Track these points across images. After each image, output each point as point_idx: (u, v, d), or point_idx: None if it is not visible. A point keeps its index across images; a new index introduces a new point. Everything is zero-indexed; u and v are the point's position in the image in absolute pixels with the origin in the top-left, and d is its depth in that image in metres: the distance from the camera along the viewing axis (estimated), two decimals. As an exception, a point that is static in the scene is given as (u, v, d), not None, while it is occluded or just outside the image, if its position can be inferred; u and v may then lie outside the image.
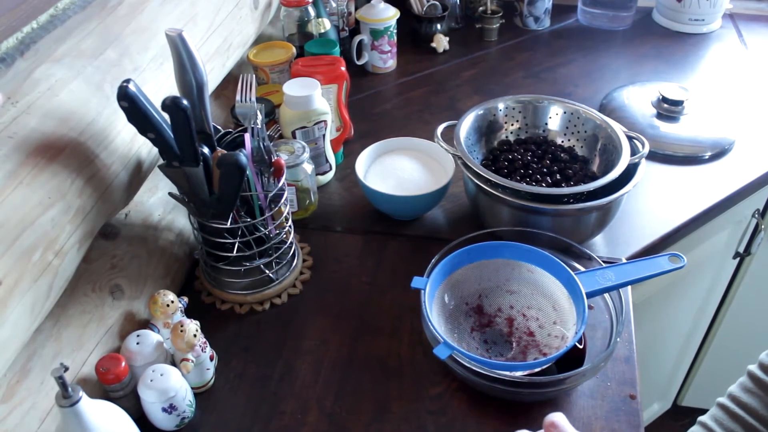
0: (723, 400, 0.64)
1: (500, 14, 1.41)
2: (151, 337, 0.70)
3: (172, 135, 0.66)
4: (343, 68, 1.01)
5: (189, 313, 0.78)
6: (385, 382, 0.74)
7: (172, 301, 0.73)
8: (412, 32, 1.40)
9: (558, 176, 0.89)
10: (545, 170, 0.90)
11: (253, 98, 0.79)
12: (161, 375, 0.66)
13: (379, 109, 1.21)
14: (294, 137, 0.94)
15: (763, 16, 1.48)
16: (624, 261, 0.83)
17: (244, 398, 0.73)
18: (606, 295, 0.78)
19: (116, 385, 0.66)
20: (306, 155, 0.90)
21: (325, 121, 0.95)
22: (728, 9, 1.47)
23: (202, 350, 0.71)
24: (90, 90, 0.66)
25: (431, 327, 0.69)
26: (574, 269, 0.77)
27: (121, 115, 0.63)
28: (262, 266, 0.82)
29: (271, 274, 0.83)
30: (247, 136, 0.76)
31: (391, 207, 0.94)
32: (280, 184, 0.79)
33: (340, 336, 0.79)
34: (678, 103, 1.10)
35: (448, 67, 1.34)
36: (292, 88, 0.92)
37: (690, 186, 1.00)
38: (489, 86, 1.26)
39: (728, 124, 1.10)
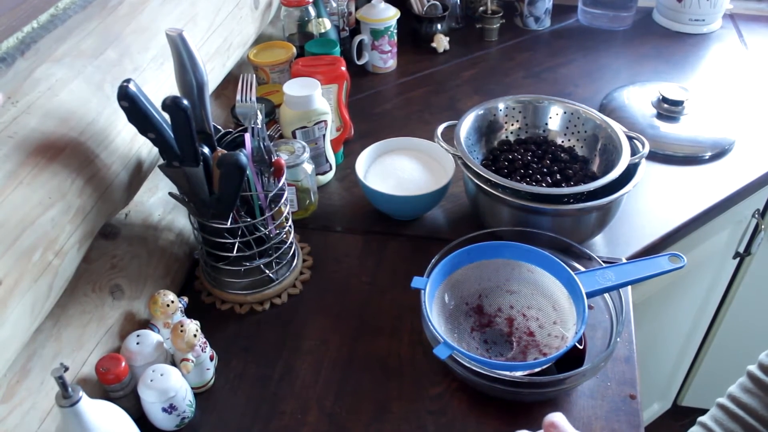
0: (723, 400, 0.64)
1: (500, 14, 1.41)
2: (151, 337, 0.70)
3: (172, 135, 0.66)
4: (344, 68, 1.01)
5: (189, 313, 0.78)
6: (385, 382, 0.74)
7: (172, 301, 0.73)
8: (413, 32, 1.40)
9: (558, 176, 0.89)
10: (545, 170, 0.90)
11: (254, 98, 0.79)
12: (161, 375, 0.66)
13: (379, 109, 1.21)
14: (294, 137, 0.94)
15: (763, 16, 1.48)
16: (624, 261, 0.83)
17: (244, 398, 0.73)
18: (606, 295, 0.78)
19: (116, 385, 0.66)
20: (306, 155, 0.90)
21: (325, 121, 0.95)
22: (728, 9, 1.47)
23: (202, 350, 0.71)
24: (90, 90, 0.66)
25: (431, 327, 0.69)
26: (574, 269, 0.77)
27: (122, 115, 0.63)
28: (262, 266, 0.82)
29: (271, 274, 0.83)
30: (248, 136, 0.76)
31: (391, 207, 0.94)
32: (280, 184, 0.79)
33: (340, 336, 0.79)
34: (678, 104, 1.10)
35: (449, 67, 1.34)
36: (293, 88, 0.92)
37: (690, 186, 1.00)
38: (489, 86, 1.26)
39: (728, 125, 1.10)
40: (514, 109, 0.97)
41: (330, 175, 1.03)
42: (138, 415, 0.67)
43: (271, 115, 0.99)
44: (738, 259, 1.26)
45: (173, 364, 0.70)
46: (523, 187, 0.82)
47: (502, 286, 0.79)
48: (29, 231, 0.56)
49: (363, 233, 0.94)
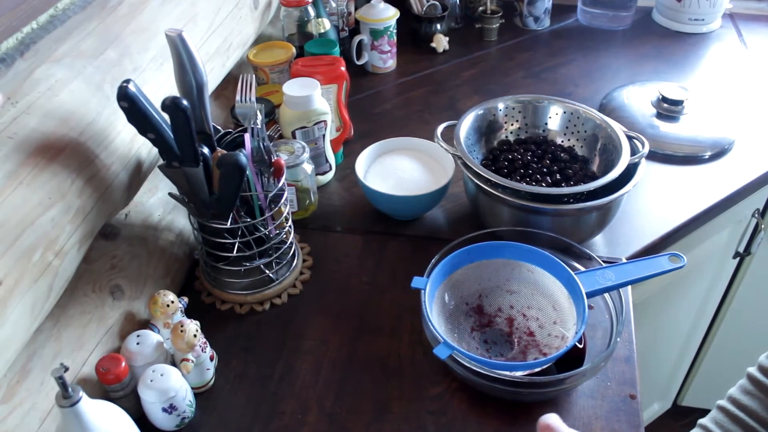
0: (723, 402, 0.64)
1: (500, 14, 1.41)
2: (151, 337, 0.70)
3: (172, 135, 0.66)
4: (343, 68, 1.01)
5: (189, 313, 0.78)
6: (385, 382, 0.74)
7: (172, 302, 0.73)
8: (412, 32, 1.40)
9: (558, 176, 0.89)
10: (545, 170, 0.90)
11: (253, 98, 0.79)
12: (161, 375, 0.66)
13: (379, 109, 1.21)
14: (294, 137, 0.94)
15: (763, 16, 1.48)
16: (624, 261, 0.83)
17: (244, 398, 0.73)
18: (606, 295, 0.78)
19: (116, 385, 0.66)
20: (306, 155, 0.90)
21: (325, 121, 0.95)
22: (728, 9, 1.47)
23: (202, 350, 0.71)
24: (90, 90, 0.66)
25: (431, 327, 0.69)
26: (574, 269, 0.77)
27: (121, 116, 0.63)
28: (262, 266, 0.82)
29: (271, 274, 0.83)
30: (247, 136, 0.76)
31: (391, 207, 0.94)
32: (280, 184, 0.79)
33: (340, 336, 0.79)
34: (678, 103, 1.10)
35: (448, 67, 1.34)
36: (292, 88, 0.92)
37: (690, 186, 1.00)
38: (489, 86, 1.26)
39: (728, 124, 1.10)
40: (513, 109, 0.97)
41: (330, 175, 1.03)
42: (138, 415, 0.67)
43: (271, 116, 0.99)
44: (738, 258, 1.26)
45: (173, 364, 0.70)
46: (523, 187, 0.82)
47: (502, 286, 0.79)
48: (29, 231, 0.56)
49: (363, 233, 0.94)
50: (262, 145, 0.77)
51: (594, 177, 0.88)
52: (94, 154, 0.65)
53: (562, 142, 0.96)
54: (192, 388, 0.70)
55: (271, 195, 0.78)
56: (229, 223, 0.74)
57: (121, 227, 0.79)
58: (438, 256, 0.77)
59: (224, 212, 0.74)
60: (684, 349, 1.45)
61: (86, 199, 0.63)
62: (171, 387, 0.65)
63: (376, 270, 0.88)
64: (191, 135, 0.66)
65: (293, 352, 0.78)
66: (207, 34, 0.88)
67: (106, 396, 0.66)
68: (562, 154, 0.93)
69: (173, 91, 0.73)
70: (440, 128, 0.91)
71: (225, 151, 0.73)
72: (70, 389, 0.53)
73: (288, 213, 0.83)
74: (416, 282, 0.74)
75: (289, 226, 0.84)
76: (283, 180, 0.79)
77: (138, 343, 0.69)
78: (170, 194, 0.76)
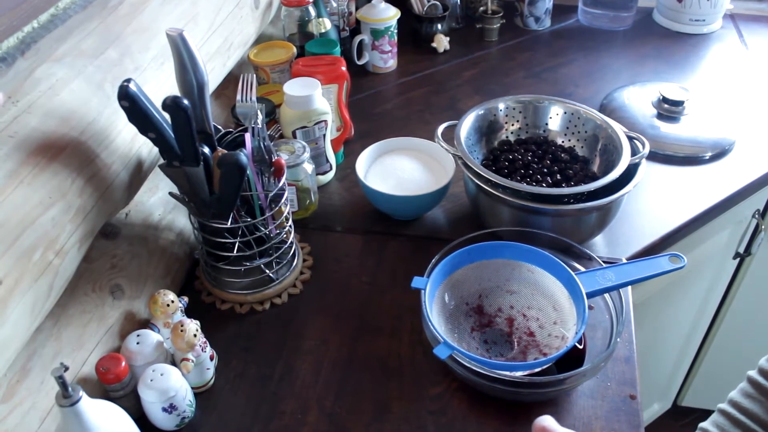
0: (724, 406, 0.64)
1: (501, 14, 1.41)
2: (152, 336, 0.70)
3: (172, 135, 0.66)
4: (344, 68, 1.01)
5: (189, 312, 0.78)
6: (385, 382, 0.74)
7: (173, 301, 0.73)
8: (413, 32, 1.40)
9: (558, 176, 0.89)
10: (545, 170, 0.90)
11: (254, 98, 0.79)
12: (161, 375, 0.66)
13: (379, 109, 1.21)
14: (294, 137, 0.94)
15: (763, 16, 1.48)
16: (624, 261, 0.83)
17: (244, 398, 0.73)
18: (606, 295, 0.78)
19: (116, 384, 0.66)
20: (306, 155, 0.90)
21: (325, 120, 0.95)
22: (729, 9, 1.47)
23: (202, 350, 0.71)
24: (91, 89, 0.66)
25: (431, 327, 0.69)
26: (575, 269, 0.77)
27: (122, 115, 0.63)
28: (262, 266, 0.82)
29: (271, 274, 0.83)
30: (248, 136, 0.76)
31: (391, 207, 0.94)
32: (281, 183, 0.79)
33: (340, 336, 0.79)
34: (678, 104, 1.10)
35: (449, 67, 1.34)
36: (293, 87, 0.92)
37: (690, 186, 1.00)
38: (489, 86, 1.26)
39: (728, 125, 1.10)
40: (514, 109, 0.97)
41: (330, 175, 1.03)
42: (138, 414, 0.67)
43: (272, 115, 0.99)
44: (738, 259, 1.26)
45: (173, 363, 0.70)
46: (524, 187, 0.82)
47: (503, 286, 0.79)
48: (30, 230, 0.56)
49: (363, 233, 0.94)
50: (262, 145, 0.77)
51: (594, 177, 0.88)
52: (95, 154, 0.65)
53: (563, 142, 0.96)
54: (192, 388, 0.70)
55: (271, 195, 0.78)
56: (229, 223, 0.74)
57: (121, 227, 0.79)
58: (438, 256, 0.77)
59: (224, 212, 0.74)
60: (684, 349, 1.45)
61: (87, 199, 0.63)
62: (171, 387, 0.65)
63: (376, 270, 0.88)
64: (192, 134, 0.66)
65: (293, 352, 0.78)
66: (208, 33, 0.88)
67: (106, 396, 0.66)
68: (562, 155, 0.93)
69: (174, 90, 0.73)
70: (441, 128, 0.91)
71: (225, 151, 0.73)
72: (70, 389, 0.53)
73: (288, 213, 0.83)
74: (416, 282, 0.74)
75: (290, 226, 0.84)
76: (283, 180, 0.79)
77: (138, 343, 0.69)
78: (171, 194, 0.76)
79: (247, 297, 0.83)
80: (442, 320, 0.75)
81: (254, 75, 0.84)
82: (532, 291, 0.78)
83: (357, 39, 1.27)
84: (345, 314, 0.82)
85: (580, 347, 0.74)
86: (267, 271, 0.83)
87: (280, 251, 0.83)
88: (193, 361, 0.69)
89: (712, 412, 0.65)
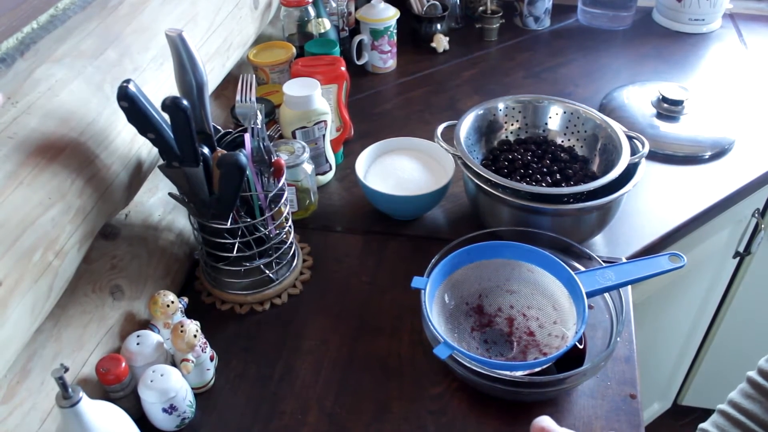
0: (723, 406, 0.64)
1: (500, 14, 1.41)
2: (152, 337, 0.70)
3: (172, 135, 0.66)
4: (343, 68, 1.01)
5: (189, 313, 0.78)
6: (385, 382, 0.74)
7: (173, 302, 0.73)
8: (412, 32, 1.40)
9: (558, 176, 0.89)
10: (545, 170, 0.90)
11: (253, 98, 0.79)
12: (161, 375, 0.66)
13: (379, 109, 1.21)
14: (294, 137, 0.94)
15: (763, 16, 1.48)
16: (624, 261, 0.83)
17: (244, 398, 0.73)
18: (606, 295, 0.78)
19: (116, 385, 0.66)
20: (306, 155, 0.90)
21: (325, 121, 0.95)
22: (728, 9, 1.47)
23: (202, 350, 0.71)
24: (90, 90, 0.66)
25: (431, 327, 0.69)
26: (574, 269, 0.77)
27: (122, 116, 0.63)
28: (262, 266, 0.82)
29: (271, 274, 0.83)
30: (247, 136, 0.76)
31: (391, 207, 0.94)
32: (280, 184, 0.79)
33: (340, 336, 0.79)
34: (678, 103, 1.10)
35: (448, 67, 1.34)
36: (292, 88, 0.92)
37: (690, 186, 1.00)
38: (489, 86, 1.26)
39: (728, 124, 1.10)
40: (514, 109, 0.97)
41: (330, 175, 1.03)
42: (138, 415, 0.67)
43: (271, 115, 0.99)
44: (738, 258, 1.26)
45: (173, 364, 0.70)
46: (523, 186, 0.82)
47: (502, 286, 0.79)
48: (29, 231, 0.56)
49: (363, 233, 0.94)
50: (262, 145, 0.77)
51: (594, 177, 0.88)
52: (95, 154, 0.65)
53: (562, 142, 0.96)
54: (192, 389, 0.70)
55: (271, 195, 0.78)
56: (229, 223, 0.74)
57: (121, 227, 0.79)
58: (438, 256, 0.77)
59: (224, 212, 0.74)
60: (684, 349, 1.45)
61: (86, 199, 0.63)
62: (171, 387, 0.65)
63: (376, 270, 0.88)
64: (191, 135, 0.66)
65: (293, 352, 0.78)
66: (207, 34, 0.88)
67: (106, 396, 0.66)
68: (562, 154, 0.93)
69: (173, 91, 0.73)
70: (440, 128, 0.91)
71: (225, 151, 0.73)
72: (70, 389, 0.53)
73: (288, 213, 0.83)
74: (416, 282, 0.74)
75: (289, 226, 0.84)
76: (283, 180, 0.79)
77: (138, 344, 0.69)
78: (170, 194, 0.76)
79: (247, 297, 0.83)
80: (442, 320, 0.75)
81: (254, 75, 0.84)
82: (532, 291, 0.78)
83: (356, 39, 1.27)
84: (345, 314, 0.82)
85: (580, 347, 0.74)
86: (267, 271, 0.83)
87: (280, 251, 0.83)
88: (193, 361, 0.69)
89: (713, 411, 0.65)
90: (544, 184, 0.87)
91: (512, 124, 0.97)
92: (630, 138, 0.88)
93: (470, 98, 1.22)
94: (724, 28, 1.43)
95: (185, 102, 0.63)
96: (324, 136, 0.97)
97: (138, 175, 0.74)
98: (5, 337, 0.54)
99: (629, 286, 0.77)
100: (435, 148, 0.95)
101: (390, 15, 1.26)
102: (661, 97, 1.12)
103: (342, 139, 1.06)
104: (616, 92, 1.19)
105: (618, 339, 0.70)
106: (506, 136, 0.97)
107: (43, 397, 0.61)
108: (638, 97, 1.16)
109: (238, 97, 0.79)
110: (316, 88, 0.92)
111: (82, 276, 0.71)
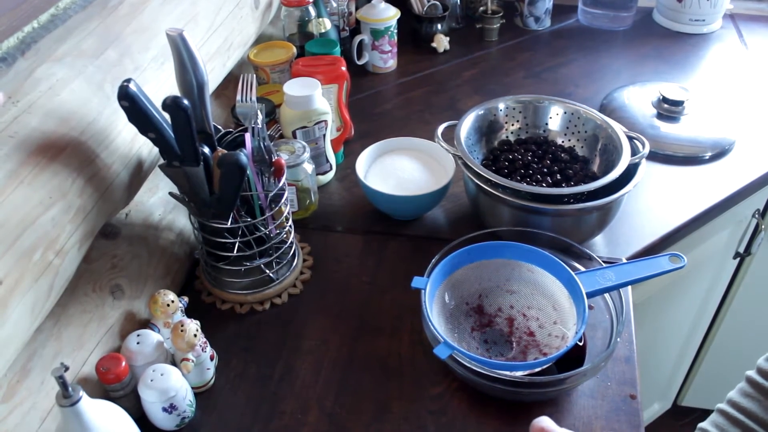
0: (723, 406, 0.64)
1: (501, 14, 1.41)
2: (152, 336, 0.70)
3: (172, 135, 0.66)
4: (344, 68, 1.01)
5: (189, 312, 0.78)
6: (385, 382, 0.74)
7: (173, 301, 0.73)
8: (413, 32, 1.40)
9: (558, 176, 0.89)
10: (545, 170, 0.90)
11: (254, 98, 0.79)
12: (161, 375, 0.66)
13: (379, 109, 1.21)
14: (294, 137, 0.94)
15: (763, 16, 1.48)
16: (624, 261, 0.83)
17: (244, 398, 0.73)
18: (606, 295, 0.78)
19: (116, 384, 0.66)
20: (306, 155, 0.90)
21: (325, 120, 0.95)
22: (728, 9, 1.47)
23: (202, 350, 0.71)
24: (91, 89, 0.66)
25: (431, 327, 0.69)
26: (575, 269, 0.77)
27: (122, 115, 0.63)
28: (262, 266, 0.82)
29: (271, 274, 0.83)
30: (248, 136, 0.76)
31: (391, 207, 0.94)
32: (281, 183, 0.79)
33: (340, 336, 0.79)
34: (678, 104, 1.10)
35: (449, 67, 1.34)
36: (293, 87, 0.92)
37: (690, 186, 1.00)
38: (489, 86, 1.26)
39: (728, 125, 1.10)
40: (514, 109, 0.97)
41: (330, 175, 1.03)
42: (138, 414, 0.67)
43: (272, 115, 0.99)
44: (738, 259, 1.26)
45: (173, 363, 0.70)
46: (524, 187, 0.82)
47: (503, 286, 0.79)
48: (30, 231, 0.56)
49: (363, 233, 0.94)
50: (262, 145, 0.77)
51: (594, 177, 0.88)
52: (95, 154, 0.65)
53: (563, 142, 0.96)
54: (192, 388, 0.70)
55: (271, 195, 0.79)
56: (229, 223, 0.75)
57: (121, 227, 0.79)
58: (438, 256, 0.77)
59: (225, 212, 0.74)
60: (684, 349, 1.45)
61: (87, 199, 0.63)
62: (171, 387, 0.66)
63: (376, 270, 0.88)
64: (192, 134, 0.66)
65: (293, 352, 0.78)
66: (208, 33, 0.88)
67: (107, 395, 0.66)
68: (562, 155, 0.93)
69: (174, 90, 0.73)
70: (441, 128, 0.91)
71: (225, 151, 0.73)
72: (70, 389, 0.53)
73: (288, 213, 0.83)
74: (416, 282, 0.74)
75: (290, 226, 0.84)
76: (283, 180, 0.79)
77: (138, 343, 0.69)
78: (171, 194, 0.76)
79: (247, 297, 0.83)
80: (442, 320, 0.75)
81: (254, 75, 0.84)
82: (532, 291, 0.78)
83: (357, 39, 1.27)
84: (345, 314, 0.82)
85: (581, 347, 0.74)
86: (267, 271, 0.83)
87: (280, 251, 0.83)
88: (193, 361, 0.69)
89: (713, 411, 0.65)
90: (544, 185, 0.87)
91: (513, 125, 0.97)
92: (630, 138, 0.88)
93: (470, 98, 1.22)
94: (725, 29, 1.43)
95: (186, 101, 0.63)
96: (324, 135, 0.97)
97: (138, 174, 0.74)
98: (5, 337, 0.54)
99: (629, 287, 0.77)
100: (435, 148, 0.95)
101: (390, 15, 1.26)
102: (661, 97, 1.12)
103: (342, 139, 1.06)
104: (617, 92, 1.19)
105: (618, 339, 0.70)
106: (507, 137, 0.97)
107: (43, 396, 0.61)
108: (639, 98, 1.16)
109: (238, 97, 0.79)
110: (316, 87, 0.92)
111: (83, 275, 0.71)
